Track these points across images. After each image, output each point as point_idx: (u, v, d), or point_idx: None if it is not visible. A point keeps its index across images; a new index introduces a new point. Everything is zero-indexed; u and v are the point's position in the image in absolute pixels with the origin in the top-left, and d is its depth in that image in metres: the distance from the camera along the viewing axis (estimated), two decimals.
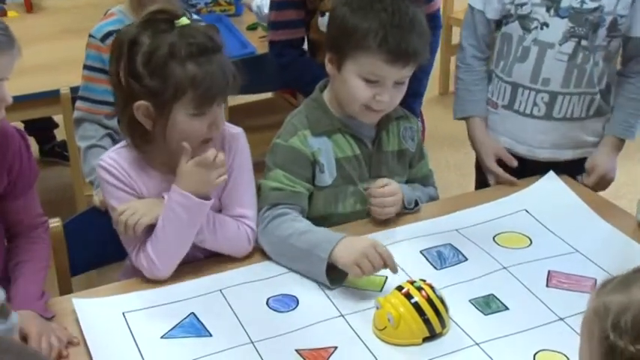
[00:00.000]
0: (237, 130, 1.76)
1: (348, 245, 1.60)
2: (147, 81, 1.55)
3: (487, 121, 2.15)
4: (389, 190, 1.82)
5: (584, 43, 1.97)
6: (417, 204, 1.91)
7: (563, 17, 1.96)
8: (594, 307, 0.99)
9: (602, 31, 1.97)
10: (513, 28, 2.03)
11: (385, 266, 1.58)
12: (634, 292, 0.96)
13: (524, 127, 2.09)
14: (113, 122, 2.24)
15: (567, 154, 2.12)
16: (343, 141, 1.82)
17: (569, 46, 1.97)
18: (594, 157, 2.11)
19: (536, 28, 1.98)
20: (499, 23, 2.09)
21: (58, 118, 3.52)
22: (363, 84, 1.71)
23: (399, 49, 1.67)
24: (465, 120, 2.18)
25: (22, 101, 2.31)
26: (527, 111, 2.06)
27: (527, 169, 2.11)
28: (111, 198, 1.66)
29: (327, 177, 1.81)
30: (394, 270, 1.58)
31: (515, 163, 2.10)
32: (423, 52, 1.72)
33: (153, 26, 1.56)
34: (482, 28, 2.10)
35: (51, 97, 2.57)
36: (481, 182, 2.23)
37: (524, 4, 1.98)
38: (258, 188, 1.79)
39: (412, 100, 1.98)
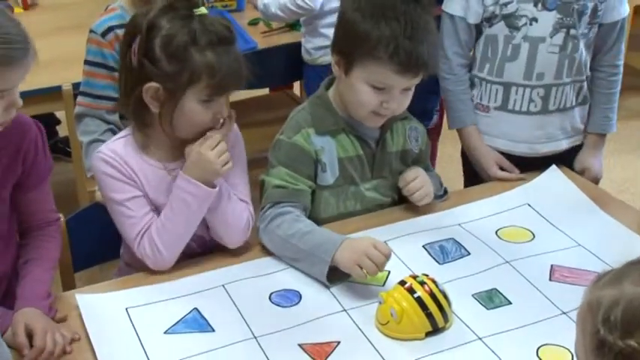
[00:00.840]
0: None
1: (348, 247, 1.60)
2: (163, 64, 1.56)
3: (478, 125, 2.13)
4: (414, 186, 1.84)
5: (572, 32, 1.98)
6: (445, 192, 1.94)
7: (551, 10, 1.96)
8: (588, 300, 0.99)
9: (585, 19, 1.99)
10: (498, 28, 2.01)
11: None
12: (625, 287, 0.95)
13: (521, 126, 2.08)
14: (115, 117, 2.24)
15: (564, 144, 2.13)
16: (347, 141, 1.81)
17: (559, 38, 1.98)
18: (583, 160, 2.15)
19: (525, 24, 1.97)
20: (478, 27, 2.06)
21: (60, 115, 3.52)
22: (370, 90, 1.69)
23: (410, 61, 1.65)
24: (458, 130, 2.17)
25: (23, 97, 2.31)
26: (524, 108, 2.06)
27: (527, 166, 2.10)
28: (110, 191, 1.67)
29: (329, 176, 1.80)
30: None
31: (516, 171, 2.09)
32: (433, 62, 1.71)
33: (173, 11, 1.58)
34: (464, 34, 2.07)
35: (53, 93, 2.56)
36: (469, 174, 2.24)
37: (510, 2, 1.97)
38: (262, 184, 1.79)
39: (422, 116, 1.98)
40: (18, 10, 3.50)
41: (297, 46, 3.03)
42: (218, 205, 1.68)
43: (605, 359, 0.94)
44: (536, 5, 1.96)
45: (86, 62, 2.24)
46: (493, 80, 2.07)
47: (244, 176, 1.78)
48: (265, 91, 3.66)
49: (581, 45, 2.01)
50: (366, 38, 1.65)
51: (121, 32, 2.17)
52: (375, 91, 1.69)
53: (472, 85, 2.12)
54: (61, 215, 1.76)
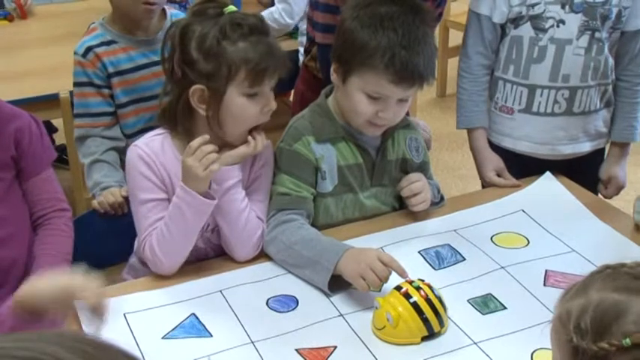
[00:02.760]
0: (267, 141, 1.76)
1: (353, 257, 1.60)
2: (201, 64, 1.58)
3: (501, 127, 2.14)
4: (415, 187, 1.85)
5: (597, 35, 2.00)
6: (442, 199, 1.95)
7: (577, 12, 1.97)
8: (558, 314, 1.02)
9: (609, 23, 2.00)
10: (524, 30, 2.02)
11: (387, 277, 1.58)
12: (591, 294, 0.99)
13: (545, 127, 2.09)
14: (112, 132, 2.24)
15: (587, 147, 2.14)
16: (346, 149, 1.81)
17: (584, 40, 1.99)
18: (609, 169, 2.16)
19: (552, 26, 1.99)
20: (502, 28, 2.08)
21: (57, 122, 3.53)
22: (366, 99, 1.70)
23: (406, 71, 1.66)
24: (466, 129, 2.19)
25: (20, 105, 2.32)
26: (549, 110, 2.06)
27: (549, 170, 2.10)
28: (136, 187, 1.67)
29: (328, 184, 1.81)
30: (403, 274, 1.57)
31: (513, 181, 2.09)
32: (429, 74, 1.71)
33: (202, 15, 1.61)
34: (489, 33, 2.08)
35: (50, 100, 2.58)
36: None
37: (537, 3, 1.98)
38: None
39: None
40: (3, 21, 3.51)
41: (295, 55, 3.04)
42: (232, 215, 1.69)
43: None
44: (563, 7, 1.97)
45: (75, 84, 2.25)
46: (518, 82, 2.07)
47: (266, 196, 1.77)
48: None
49: (606, 48, 2.03)
50: (363, 47, 1.67)
51: (100, 50, 2.20)
52: (371, 101, 1.70)
53: (495, 87, 2.13)
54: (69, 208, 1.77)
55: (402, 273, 1.57)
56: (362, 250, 1.63)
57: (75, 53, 2.22)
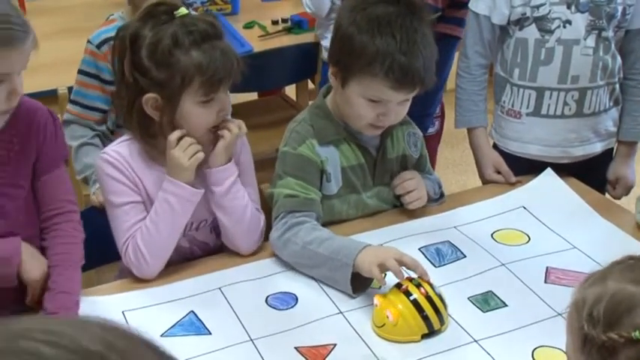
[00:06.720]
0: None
1: (372, 252, 1.58)
2: (153, 73, 1.56)
3: (508, 131, 2.13)
4: (409, 185, 1.85)
5: (603, 34, 1.98)
6: (442, 195, 1.94)
7: (583, 12, 1.96)
8: (575, 301, 1.02)
9: (615, 22, 1.99)
10: (529, 32, 2.00)
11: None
12: (608, 284, 0.98)
13: (555, 130, 2.07)
14: (102, 128, 2.23)
15: (598, 147, 2.13)
16: (349, 150, 1.80)
17: (592, 40, 1.98)
18: (617, 169, 2.15)
19: (558, 27, 1.97)
20: (505, 30, 2.06)
21: None
22: (366, 103, 1.68)
23: (406, 77, 1.63)
24: (466, 128, 2.18)
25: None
26: (558, 112, 2.04)
27: (560, 173, 2.08)
28: (109, 192, 1.66)
29: (333, 186, 1.79)
30: (425, 275, 1.55)
31: (513, 180, 2.08)
32: (429, 77, 1.69)
33: (153, 19, 1.57)
34: (487, 33, 2.07)
35: (48, 96, 2.56)
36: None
37: (542, 4, 1.96)
38: (270, 197, 1.77)
39: (423, 119, 1.96)
40: None
41: (293, 50, 3.03)
42: (237, 213, 1.69)
43: (590, 354, 0.97)
44: (569, 7, 1.95)
45: (80, 72, 2.23)
46: (525, 85, 2.05)
47: (253, 184, 1.77)
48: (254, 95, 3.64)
49: (613, 46, 2.01)
50: (361, 54, 1.64)
51: None
52: (371, 104, 1.68)
53: (502, 91, 2.11)
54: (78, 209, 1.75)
55: (423, 273, 1.54)
56: (381, 247, 1.62)
57: (89, 42, 2.19)
